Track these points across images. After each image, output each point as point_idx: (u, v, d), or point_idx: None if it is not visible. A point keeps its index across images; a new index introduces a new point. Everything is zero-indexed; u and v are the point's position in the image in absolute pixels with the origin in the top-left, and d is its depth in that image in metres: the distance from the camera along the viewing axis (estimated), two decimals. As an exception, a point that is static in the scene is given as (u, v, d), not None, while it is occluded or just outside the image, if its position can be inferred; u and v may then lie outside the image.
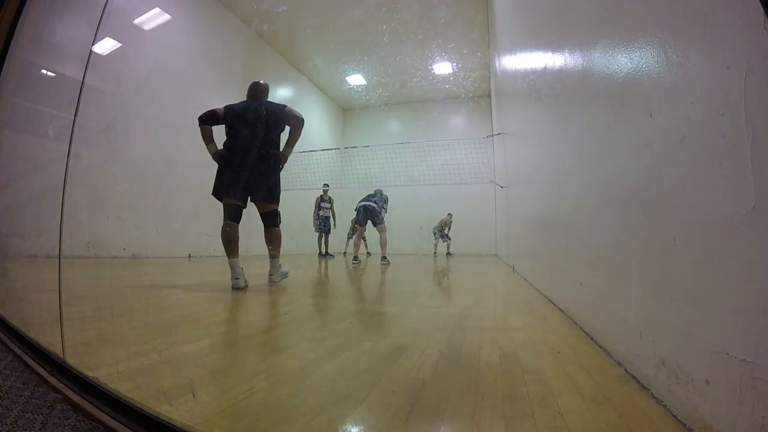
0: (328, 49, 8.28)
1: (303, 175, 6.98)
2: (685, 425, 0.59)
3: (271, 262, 2.49)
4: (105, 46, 3.70)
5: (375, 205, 5.33)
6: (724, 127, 0.51)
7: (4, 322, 1.12)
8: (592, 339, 1.12)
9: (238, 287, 2.18)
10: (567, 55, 1.42)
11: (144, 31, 5.04)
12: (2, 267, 1.74)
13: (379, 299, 2.45)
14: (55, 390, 0.73)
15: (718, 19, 0.52)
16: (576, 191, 1.37)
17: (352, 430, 0.63)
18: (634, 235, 0.83)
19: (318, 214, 6.96)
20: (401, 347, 1.06)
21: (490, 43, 6.78)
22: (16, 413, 0.64)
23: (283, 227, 2.60)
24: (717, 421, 0.52)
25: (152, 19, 5.14)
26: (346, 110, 11.58)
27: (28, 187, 1.67)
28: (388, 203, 5.68)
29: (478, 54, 7.79)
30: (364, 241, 7.11)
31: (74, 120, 1.15)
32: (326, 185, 7.04)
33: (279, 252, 2.52)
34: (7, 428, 0.60)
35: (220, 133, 2.46)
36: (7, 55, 1.46)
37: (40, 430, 0.60)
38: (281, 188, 2.55)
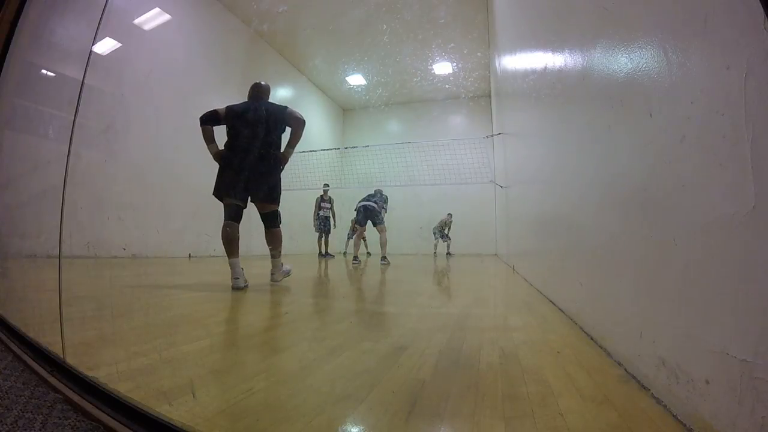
0: (328, 49, 8.28)
1: (303, 175, 6.99)
2: (685, 425, 0.59)
3: (272, 262, 2.51)
4: (105, 46, 3.71)
5: (375, 205, 5.33)
6: (724, 127, 0.51)
7: (4, 322, 1.12)
8: (592, 339, 1.12)
9: (238, 287, 2.18)
10: (567, 55, 1.42)
11: (144, 31, 5.05)
12: (2, 267, 1.74)
13: (379, 299, 2.45)
14: (55, 390, 0.72)
15: (718, 19, 0.52)
16: (576, 191, 1.37)
17: (352, 430, 0.63)
18: (634, 235, 0.83)
19: (318, 214, 6.97)
20: (401, 347, 1.06)
21: (490, 43, 6.78)
22: (16, 413, 0.64)
23: (283, 227, 2.60)
24: (717, 421, 0.52)
25: (152, 19, 5.14)
26: (346, 110, 11.58)
27: (28, 187, 1.67)
28: (388, 203, 5.68)
29: (478, 54, 7.80)
30: (364, 241, 7.11)
31: (74, 120, 1.15)
32: (326, 185, 7.04)
33: (280, 252, 2.53)
34: (7, 428, 0.60)
35: (221, 133, 2.47)
36: (7, 55, 1.46)
37: (40, 430, 0.60)
38: (281, 189, 2.56)
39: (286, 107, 2.51)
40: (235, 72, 6.40)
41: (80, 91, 1.18)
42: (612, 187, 0.98)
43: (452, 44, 7.72)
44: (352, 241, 6.66)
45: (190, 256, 5.26)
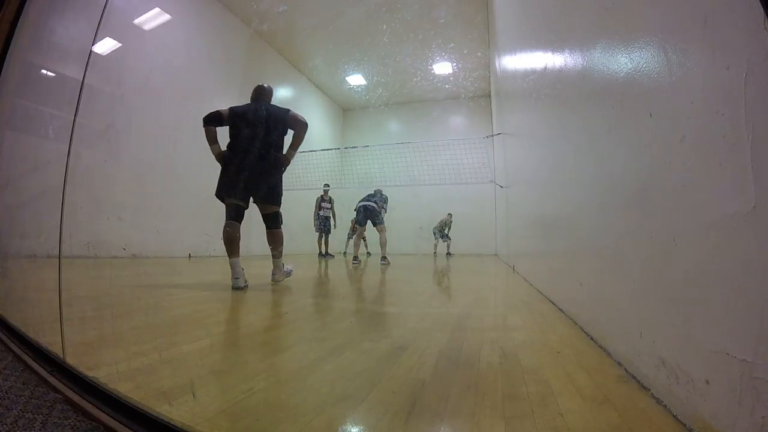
0: (328, 49, 8.28)
1: (303, 175, 6.99)
2: (685, 425, 0.59)
3: (273, 262, 2.53)
4: (105, 46, 3.71)
5: (375, 205, 5.33)
6: (724, 127, 0.51)
7: (4, 322, 1.12)
8: (592, 339, 1.12)
9: (238, 287, 2.18)
10: (567, 55, 1.42)
11: (144, 31, 5.04)
12: (2, 267, 1.74)
13: (379, 299, 2.45)
14: (55, 390, 0.73)
15: (718, 19, 0.52)
16: (576, 191, 1.37)
17: (352, 430, 0.63)
18: (634, 235, 0.83)
19: (318, 214, 6.97)
20: (401, 347, 1.06)
21: (490, 43, 6.78)
22: (16, 413, 0.64)
23: (284, 227, 2.61)
24: (717, 421, 0.52)
25: (152, 19, 5.14)
26: (346, 110, 11.58)
27: (28, 187, 1.67)
28: (388, 203, 5.68)
29: (478, 54, 7.79)
30: (364, 241, 7.11)
31: (74, 120, 1.15)
32: (327, 185, 7.04)
33: (281, 252, 2.55)
34: (7, 428, 0.60)
35: (224, 135, 2.47)
36: (7, 55, 1.46)
37: (40, 430, 0.60)
38: (282, 190, 2.57)
39: (288, 110, 2.52)
40: (235, 72, 6.41)
41: (80, 91, 1.18)
42: (612, 187, 0.98)
43: (452, 44, 7.72)
44: (352, 241, 6.66)
45: (190, 256, 5.26)
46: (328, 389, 0.78)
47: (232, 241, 2.32)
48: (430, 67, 8.85)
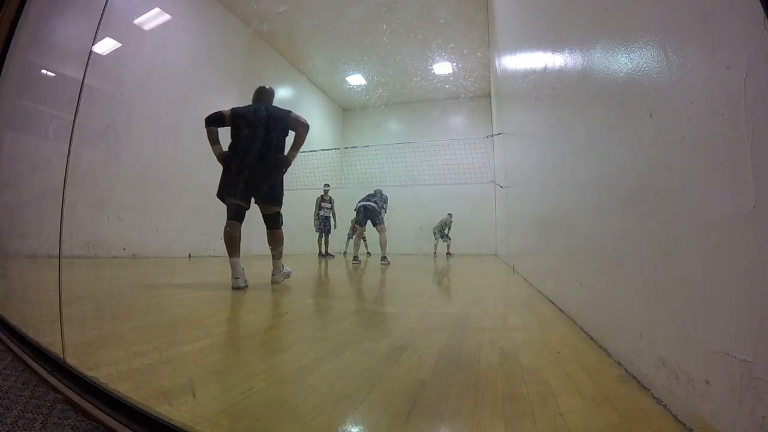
0: (328, 49, 8.27)
1: (303, 175, 6.98)
2: (685, 425, 0.59)
3: (273, 262, 2.53)
4: (105, 46, 3.71)
5: (375, 205, 5.33)
6: (724, 127, 0.51)
7: (4, 322, 1.12)
8: (592, 339, 1.12)
9: (239, 287, 2.18)
10: (567, 55, 1.42)
11: (144, 31, 5.04)
12: (2, 267, 1.74)
13: (379, 299, 2.45)
14: (55, 390, 0.73)
15: (718, 19, 0.52)
16: (576, 191, 1.37)
17: (352, 430, 0.63)
18: (634, 235, 0.83)
19: (318, 214, 6.97)
20: (401, 347, 1.06)
21: (490, 43, 6.78)
22: (16, 413, 0.64)
23: (284, 227, 2.62)
24: (717, 421, 0.52)
25: (152, 19, 5.13)
26: (346, 110, 11.58)
27: (28, 187, 1.67)
28: (388, 203, 5.68)
29: (478, 54, 7.79)
30: (364, 241, 7.11)
31: (74, 120, 1.15)
32: (327, 185, 7.04)
33: (281, 253, 2.55)
34: (7, 428, 0.60)
35: (225, 135, 2.48)
36: (7, 55, 1.46)
37: (40, 430, 0.60)
38: (283, 191, 2.57)
39: (290, 111, 2.53)
40: (235, 72, 6.40)
41: (80, 91, 1.18)
42: (612, 187, 0.98)
43: (452, 44, 7.71)
44: (352, 241, 6.66)
45: (190, 256, 5.26)
46: (328, 389, 0.78)
47: (232, 241, 2.33)
48: (430, 67, 8.84)
